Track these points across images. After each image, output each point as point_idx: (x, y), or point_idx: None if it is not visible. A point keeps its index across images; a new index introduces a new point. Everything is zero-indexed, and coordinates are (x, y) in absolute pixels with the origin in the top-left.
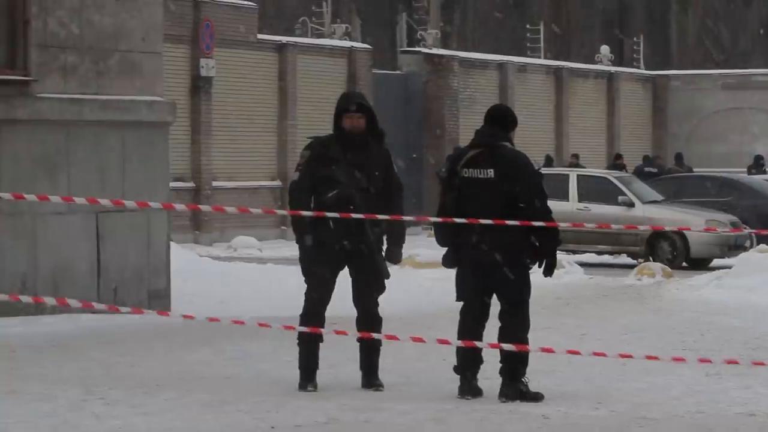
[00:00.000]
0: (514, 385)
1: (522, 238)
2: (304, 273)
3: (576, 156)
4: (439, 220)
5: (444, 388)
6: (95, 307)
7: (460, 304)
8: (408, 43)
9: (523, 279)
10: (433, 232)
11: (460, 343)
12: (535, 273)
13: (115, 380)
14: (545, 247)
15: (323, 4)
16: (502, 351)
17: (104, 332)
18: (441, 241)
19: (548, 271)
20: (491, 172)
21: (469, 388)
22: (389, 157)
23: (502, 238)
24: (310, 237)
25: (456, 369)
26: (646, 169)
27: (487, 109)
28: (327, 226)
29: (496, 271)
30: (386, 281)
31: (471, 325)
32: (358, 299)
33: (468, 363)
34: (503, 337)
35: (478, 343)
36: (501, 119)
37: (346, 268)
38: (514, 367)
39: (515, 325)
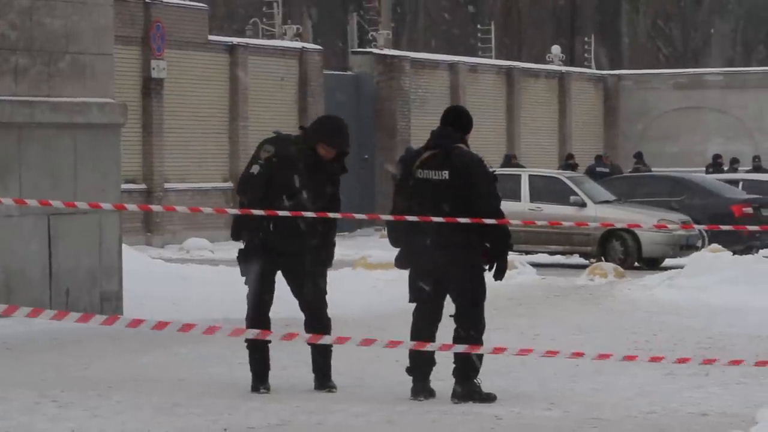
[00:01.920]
0: (467, 386)
1: (475, 239)
2: (244, 274)
3: (513, 156)
4: (392, 218)
5: (397, 389)
6: (44, 312)
7: (410, 306)
8: (359, 44)
9: (476, 280)
10: (386, 232)
11: (412, 344)
12: (488, 275)
13: (68, 383)
14: (496, 250)
15: (274, 6)
16: (455, 352)
17: (57, 335)
18: (394, 242)
19: (499, 275)
20: (446, 174)
21: (422, 390)
22: (336, 184)
23: (455, 238)
24: (248, 234)
25: (408, 370)
26: (598, 168)
27: (443, 111)
28: (268, 228)
29: (449, 273)
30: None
31: (423, 326)
32: (303, 303)
33: (420, 364)
34: (457, 338)
35: (430, 345)
36: (457, 121)
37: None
38: (466, 368)
39: (469, 327)
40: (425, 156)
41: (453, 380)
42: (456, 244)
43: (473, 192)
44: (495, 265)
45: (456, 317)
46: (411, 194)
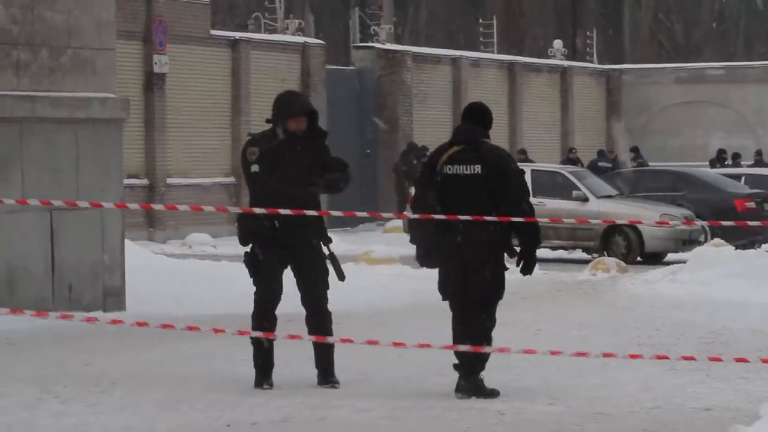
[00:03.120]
0: (472, 380)
1: (504, 235)
2: (252, 274)
3: (523, 152)
4: (418, 216)
5: (400, 385)
6: (49, 314)
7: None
8: (361, 39)
9: (500, 278)
10: (407, 228)
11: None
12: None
13: (70, 378)
14: (527, 245)
15: (276, 0)
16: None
17: (59, 330)
18: (419, 240)
19: (527, 269)
20: (478, 168)
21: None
22: (326, 152)
23: (484, 235)
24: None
25: (456, 367)
26: (600, 163)
27: (465, 107)
28: (274, 225)
29: (474, 268)
30: (340, 281)
31: (456, 324)
32: (305, 297)
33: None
34: (468, 333)
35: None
36: (480, 116)
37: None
38: (474, 362)
39: (483, 323)
40: (452, 151)
41: (455, 375)
42: (485, 241)
43: (504, 186)
44: (524, 261)
45: (471, 312)
46: (440, 190)
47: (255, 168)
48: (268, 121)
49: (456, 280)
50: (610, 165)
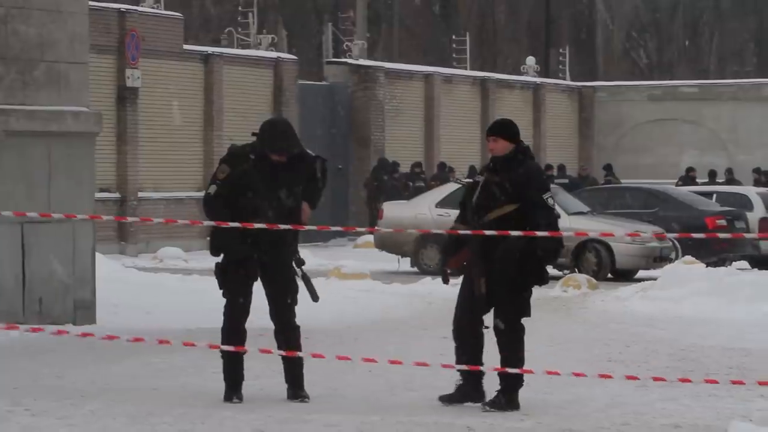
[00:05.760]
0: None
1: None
2: (221, 286)
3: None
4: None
5: (370, 399)
6: (20, 328)
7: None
8: (334, 54)
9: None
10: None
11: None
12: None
13: (42, 391)
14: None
15: (249, 15)
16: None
17: (31, 343)
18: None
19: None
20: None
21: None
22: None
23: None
24: (225, 249)
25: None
26: (557, 180)
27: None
28: (246, 242)
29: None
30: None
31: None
32: (273, 311)
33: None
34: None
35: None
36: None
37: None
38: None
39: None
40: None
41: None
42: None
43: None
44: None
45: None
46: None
47: (212, 189)
48: (254, 134)
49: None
50: (566, 181)
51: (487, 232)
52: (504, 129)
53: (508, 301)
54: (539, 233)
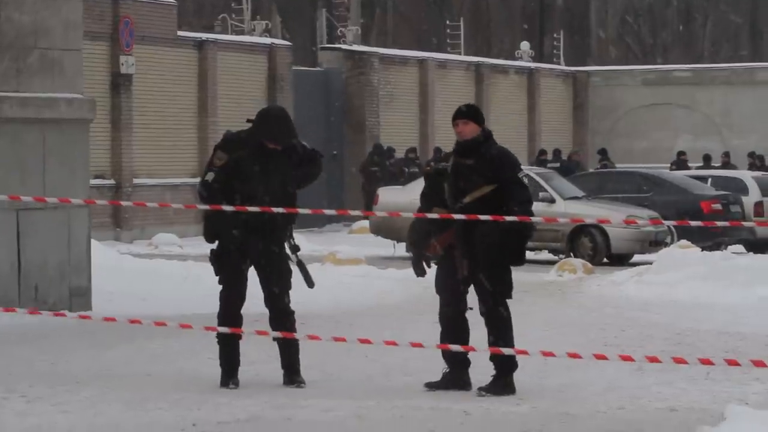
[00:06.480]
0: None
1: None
2: (217, 272)
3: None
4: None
5: (366, 384)
6: (17, 311)
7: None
8: (328, 40)
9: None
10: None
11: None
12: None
13: (36, 377)
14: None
15: (243, 1)
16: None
17: (26, 329)
18: None
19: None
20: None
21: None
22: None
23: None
24: (220, 235)
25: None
26: (549, 165)
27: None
28: (241, 228)
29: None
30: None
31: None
32: (268, 298)
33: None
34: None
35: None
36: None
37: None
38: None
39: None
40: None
41: (421, 374)
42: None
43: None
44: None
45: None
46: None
47: (210, 176)
48: (249, 120)
49: None
50: (558, 165)
51: (458, 216)
52: (475, 113)
53: (490, 283)
54: (508, 218)
